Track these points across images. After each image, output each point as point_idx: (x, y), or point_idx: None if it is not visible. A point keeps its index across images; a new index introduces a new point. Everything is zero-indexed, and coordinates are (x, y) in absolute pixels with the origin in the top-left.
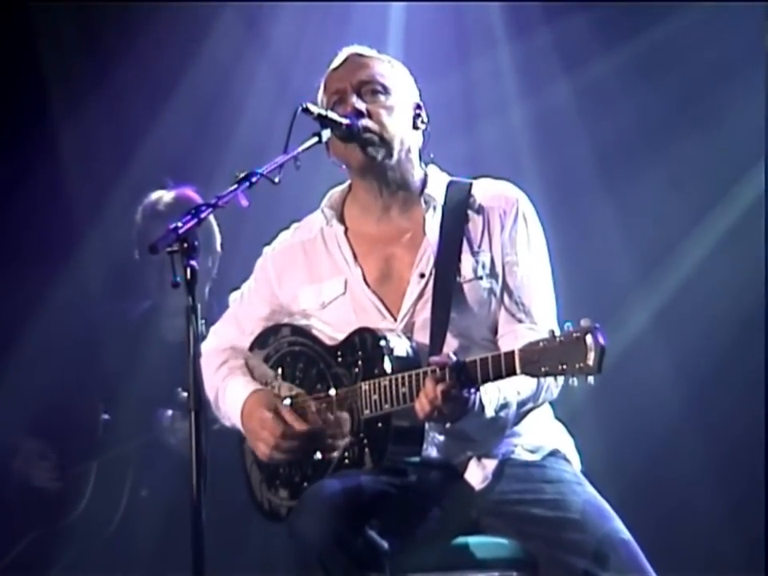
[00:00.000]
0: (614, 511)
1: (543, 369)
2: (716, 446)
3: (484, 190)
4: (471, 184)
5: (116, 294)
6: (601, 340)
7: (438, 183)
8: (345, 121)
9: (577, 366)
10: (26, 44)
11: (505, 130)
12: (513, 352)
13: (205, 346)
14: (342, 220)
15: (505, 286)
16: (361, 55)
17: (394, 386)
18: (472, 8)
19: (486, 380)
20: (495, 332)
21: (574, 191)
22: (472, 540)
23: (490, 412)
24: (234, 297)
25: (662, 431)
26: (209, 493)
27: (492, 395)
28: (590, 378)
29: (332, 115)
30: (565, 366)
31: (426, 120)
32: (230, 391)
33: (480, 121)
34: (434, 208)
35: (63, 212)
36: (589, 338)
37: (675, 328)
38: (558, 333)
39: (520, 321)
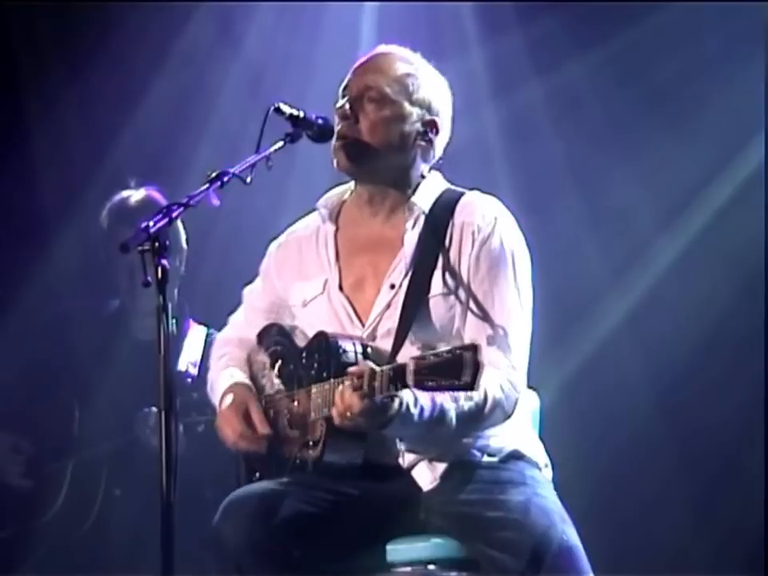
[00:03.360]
0: (570, 516)
1: (429, 383)
2: (688, 447)
3: (467, 205)
4: (460, 196)
5: (87, 291)
6: (478, 358)
7: (429, 191)
8: (317, 122)
9: (456, 381)
10: None
11: (476, 131)
12: (405, 364)
13: (219, 335)
14: (336, 220)
15: (471, 303)
16: (386, 57)
17: (332, 391)
18: (444, 9)
19: (384, 389)
20: None
21: (546, 192)
22: (417, 540)
23: (420, 422)
24: (246, 290)
25: (634, 433)
26: (184, 491)
27: (425, 404)
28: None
29: (303, 116)
30: (445, 381)
31: (432, 138)
32: (219, 381)
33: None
34: (417, 217)
35: (35, 209)
36: (467, 356)
37: (647, 329)
38: (446, 349)
39: (488, 338)
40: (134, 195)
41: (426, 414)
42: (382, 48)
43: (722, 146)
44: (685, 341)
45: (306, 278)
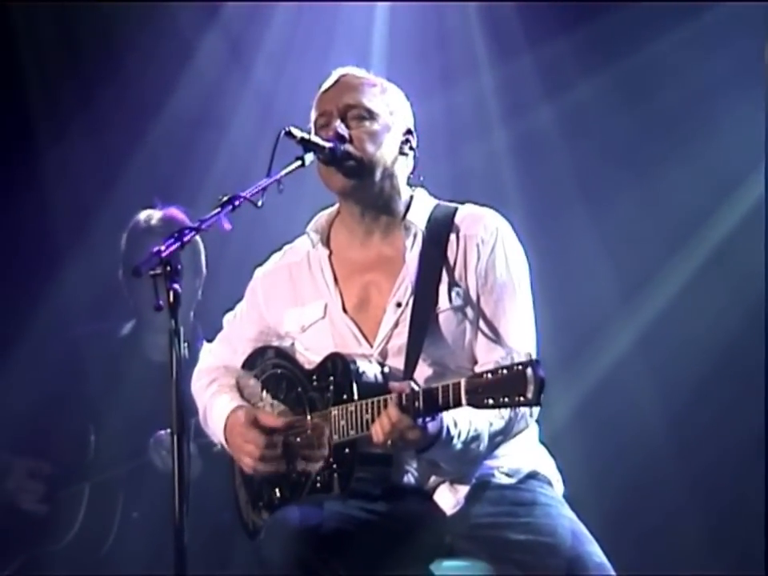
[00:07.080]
0: (590, 534)
1: (486, 400)
2: (699, 467)
3: (465, 218)
4: (455, 210)
5: (100, 314)
6: (540, 373)
7: (422, 208)
8: (327, 145)
9: (517, 398)
10: (11, 66)
11: (487, 153)
12: (459, 383)
13: (199, 365)
14: (327, 244)
15: (482, 316)
16: (352, 77)
17: (359, 413)
18: (456, 34)
19: (434, 410)
20: (472, 360)
21: (557, 214)
22: (447, 564)
23: (458, 444)
24: (228, 317)
25: (645, 453)
26: (203, 514)
27: (462, 427)
28: (534, 410)
29: (315, 139)
30: (507, 398)
31: (414, 146)
32: (216, 408)
33: (463, 144)
34: (415, 234)
35: (47, 233)
36: (529, 371)
37: (658, 350)
38: (502, 365)
39: (499, 350)
40: (157, 214)
41: (463, 435)
42: (343, 70)
43: (732, 168)
44: (695, 362)
45: (302, 304)
